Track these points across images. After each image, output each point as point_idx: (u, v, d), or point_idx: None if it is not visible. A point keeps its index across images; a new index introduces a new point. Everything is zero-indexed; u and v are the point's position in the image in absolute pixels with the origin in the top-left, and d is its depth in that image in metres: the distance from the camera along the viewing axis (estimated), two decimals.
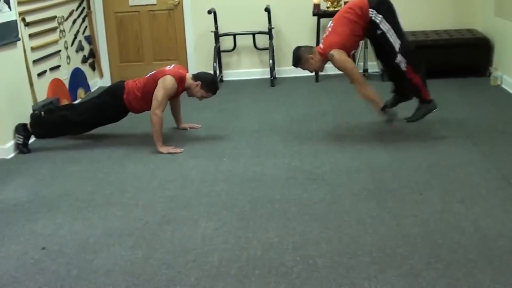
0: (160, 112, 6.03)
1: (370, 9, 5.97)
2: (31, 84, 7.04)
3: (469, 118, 6.61)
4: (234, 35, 9.14)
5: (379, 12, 5.97)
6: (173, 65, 6.37)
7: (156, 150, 6.06)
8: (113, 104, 6.36)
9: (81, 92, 8.68)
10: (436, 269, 3.59)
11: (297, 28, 9.30)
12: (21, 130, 6.32)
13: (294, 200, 4.71)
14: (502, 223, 4.15)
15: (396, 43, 5.98)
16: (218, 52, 9.15)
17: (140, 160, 5.86)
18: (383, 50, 6.14)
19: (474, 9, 9.05)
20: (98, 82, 9.53)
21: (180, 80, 6.18)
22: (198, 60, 9.48)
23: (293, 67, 6.25)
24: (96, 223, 4.50)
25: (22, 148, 6.31)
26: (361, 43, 8.61)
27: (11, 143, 6.22)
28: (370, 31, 6.07)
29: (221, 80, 9.29)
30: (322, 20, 9.01)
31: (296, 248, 3.94)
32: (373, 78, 8.83)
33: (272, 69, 8.90)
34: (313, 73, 8.50)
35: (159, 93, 6.05)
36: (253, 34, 9.12)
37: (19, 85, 6.54)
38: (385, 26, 5.96)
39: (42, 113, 6.67)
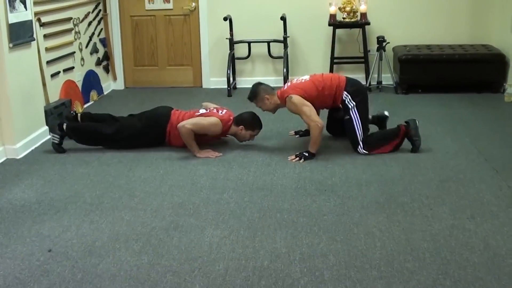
0: (190, 126, 5.97)
1: (345, 92, 6.04)
2: (44, 85, 7.07)
3: (481, 133, 6.56)
4: (249, 43, 9.13)
5: (353, 99, 6.03)
6: (225, 111, 6.36)
7: (193, 155, 6.07)
8: (153, 133, 6.32)
9: (93, 95, 8.69)
10: (444, 285, 3.55)
11: (312, 37, 9.30)
12: (57, 129, 6.30)
13: (303, 211, 4.69)
14: None
15: (359, 133, 6.03)
16: (232, 59, 9.14)
17: (150, 165, 5.85)
18: (342, 129, 6.23)
19: (490, 24, 9.01)
20: (112, 85, 9.55)
21: (226, 126, 6.21)
22: (212, 67, 9.49)
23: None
24: (103, 227, 4.48)
25: (57, 147, 6.31)
26: (376, 54, 8.61)
27: (21, 143, 6.22)
28: (337, 111, 6.17)
29: (235, 87, 9.29)
30: (338, 31, 9.03)
31: (304, 259, 3.91)
32: (387, 91, 8.82)
33: (286, 78, 8.87)
34: None
35: (199, 119, 6.09)
36: (268, 42, 9.11)
37: (32, 85, 6.54)
38: (354, 114, 6.02)
39: (79, 115, 6.65)
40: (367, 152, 5.99)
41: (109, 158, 6.06)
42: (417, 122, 6.00)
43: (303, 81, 6.14)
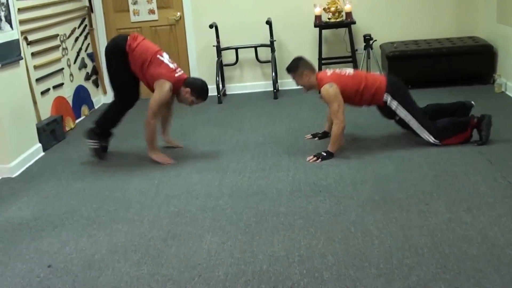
0: (154, 122, 6.04)
1: (385, 94, 6.02)
2: (35, 103, 7.05)
3: None
4: (236, 49, 9.15)
5: (394, 98, 6.02)
6: (181, 72, 6.28)
7: (148, 154, 6.14)
8: (117, 56, 6.27)
9: (84, 109, 8.68)
10: (444, 279, 3.57)
11: (298, 40, 9.31)
12: (92, 134, 6.42)
13: (299, 213, 4.70)
14: (509, 231, 4.12)
15: (419, 128, 6.04)
16: (220, 66, 9.15)
17: (144, 176, 5.85)
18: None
19: (477, 16, 9.05)
20: (102, 99, 9.53)
21: (177, 84, 6.12)
22: (201, 75, 9.45)
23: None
24: (101, 240, 4.49)
25: (99, 152, 6.46)
26: (364, 53, 8.61)
27: (15, 162, 6.22)
28: (385, 112, 6.19)
29: (224, 94, 9.30)
30: (324, 32, 9.04)
31: (302, 261, 3.92)
32: None
33: (274, 82, 8.90)
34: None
35: (154, 102, 6.01)
36: (255, 47, 9.14)
37: (22, 103, 6.54)
38: (401, 112, 6.03)
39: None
40: (439, 143, 5.99)
41: (103, 172, 6.06)
42: (491, 119, 5.94)
43: (346, 74, 6.11)
